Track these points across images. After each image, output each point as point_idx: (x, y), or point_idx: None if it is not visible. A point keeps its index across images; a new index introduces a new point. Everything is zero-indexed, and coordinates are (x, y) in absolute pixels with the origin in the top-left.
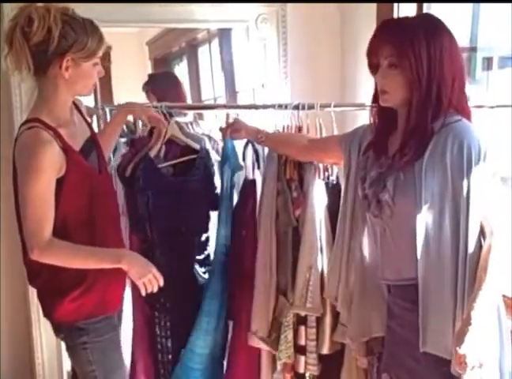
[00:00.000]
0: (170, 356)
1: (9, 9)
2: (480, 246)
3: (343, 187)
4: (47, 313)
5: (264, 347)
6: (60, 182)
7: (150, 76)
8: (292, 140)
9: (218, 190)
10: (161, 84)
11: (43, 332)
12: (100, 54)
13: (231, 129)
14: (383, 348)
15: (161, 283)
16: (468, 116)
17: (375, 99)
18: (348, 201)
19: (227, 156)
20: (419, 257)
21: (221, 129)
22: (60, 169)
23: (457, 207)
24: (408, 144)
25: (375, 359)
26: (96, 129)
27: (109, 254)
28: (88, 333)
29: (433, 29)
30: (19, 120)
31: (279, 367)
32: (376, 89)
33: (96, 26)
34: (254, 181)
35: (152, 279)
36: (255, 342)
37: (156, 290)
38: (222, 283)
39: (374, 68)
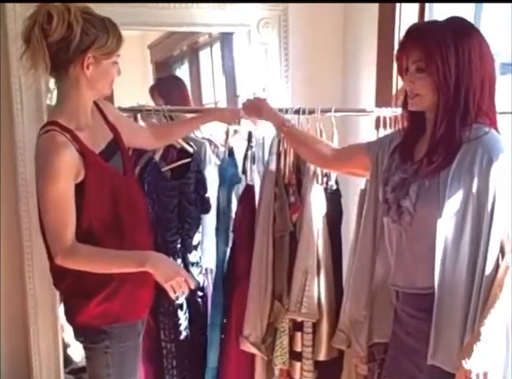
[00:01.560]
0: (174, 362)
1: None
2: (498, 263)
3: (367, 197)
4: (71, 317)
5: (256, 351)
6: (81, 187)
7: (158, 79)
8: (315, 144)
9: (208, 194)
10: (168, 87)
11: (40, 334)
12: (119, 52)
13: (252, 107)
14: (385, 354)
15: (192, 285)
16: (495, 123)
17: (405, 102)
18: (372, 214)
19: (224, 178)
20: (436, 267)
21: (243, 105)
22: (78, 173)
23: (480, 221)
24: (435, 151)
25: (376, 366)
26: None
27: (133, 257)
28: (112, 338)
29: (461, 32)
30: (20, 121)
31: (276, 372)
32: (406, 93)
33: (114, 24)
34: (251, 187)
35: (180, 281)
36: (246, 346)
37: (186, 292)
38: (224, 297)
39: (403, 72)
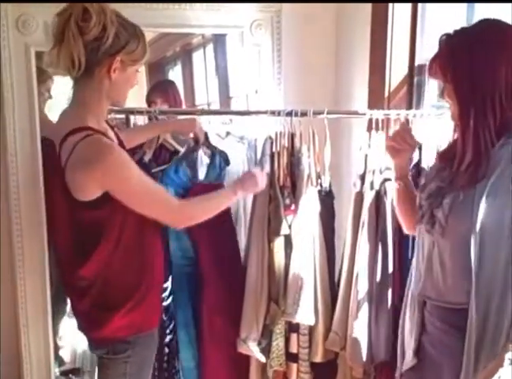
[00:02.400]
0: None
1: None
2: None
3: None
4: (96, 331)
5: (253, 354)
6: None
7: (157, 83)
8: (415, 205)
9: None
10: (167, 90)
11: (30, 335)
12: (144, 61)
13: (399, 141)
14: (385, 357)
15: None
16: None
17: None
18: None
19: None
20: (472, 285)
21: (387, 140)
22: None
23: None
24: (470, 164)
25: (372, 369)
26: None
27: (230, 197)
28: (134, 347)
29: (481, 38)
30: (11, 122)
31: (270, 374)
32: None
33: (143, 33)
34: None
35: (263, 179)
36: (244, 349)
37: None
38: (188, 292)
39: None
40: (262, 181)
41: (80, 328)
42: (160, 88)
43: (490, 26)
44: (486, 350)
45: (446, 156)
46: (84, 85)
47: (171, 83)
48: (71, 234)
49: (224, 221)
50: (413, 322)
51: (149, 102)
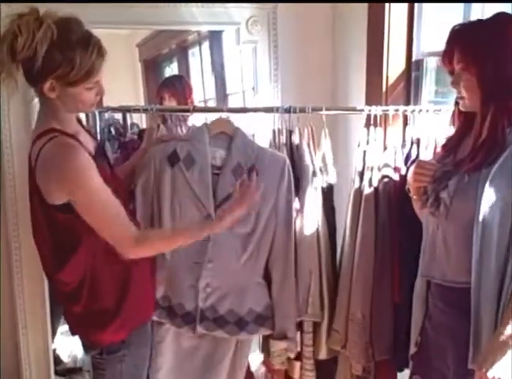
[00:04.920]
0: None
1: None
2: None
3: None
4: (92, 337)
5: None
6: None
7: (165, 79)
8: None
9: None
10: (174, 85)
11: (30, 340)
12: (96, 77)
13: None
14: (385, 355)
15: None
16: None
17: (457, 101)
18: None
19: None
20: (473, 265)
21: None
22: None
23: None
24: (479, 149)
25: (372, 366)
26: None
27: (202, 231)
28: (129, 345)
29: (501, 30)
30: (7, 127)
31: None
32: None
33: (93, 44)
34: None
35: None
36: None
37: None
38: None
39: (452, 74)
40: (254, 205)
41: (73, 333)
42: (166, 84)
43: (508, 18)
44: (488, 326)
45: (450, 145)
46: (38, 96)
47: (179, 78)
48: (49, 236)
49: None
50: (417, 306)
51: (159, 98)
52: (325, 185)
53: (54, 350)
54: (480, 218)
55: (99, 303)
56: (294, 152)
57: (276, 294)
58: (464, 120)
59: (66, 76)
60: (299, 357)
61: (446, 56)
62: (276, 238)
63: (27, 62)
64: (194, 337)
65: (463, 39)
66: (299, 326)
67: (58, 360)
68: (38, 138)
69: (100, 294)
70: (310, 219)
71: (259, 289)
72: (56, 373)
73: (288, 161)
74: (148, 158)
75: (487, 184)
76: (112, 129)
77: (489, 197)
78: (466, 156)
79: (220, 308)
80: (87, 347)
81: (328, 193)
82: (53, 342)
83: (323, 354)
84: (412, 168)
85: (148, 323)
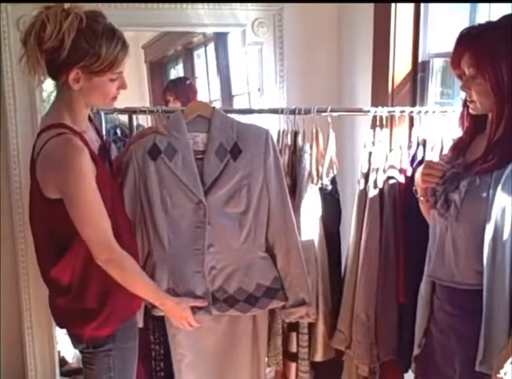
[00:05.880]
0: (162, 363)
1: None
2: None
3: None
4: (79, 332)
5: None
6: None
7: (170, 82)
8: None
9: None
10: (177, 88)
11: (35, 341)
12: (120, 68)
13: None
14: (390, 355)
15: (194, 324)
16: None
17: (465, 101)
18: None
19: None
20: (485, 268)
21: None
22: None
23: None
24: (491, 152)
25: (378, 367)
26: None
27: (158, 295)
28: (115, 340)
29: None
30: (13, 123)
31: (272, 374)
32: None
33: (118, 36)
34: None
35: (184, 324)
36: None
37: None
38: None
39: (460, 77)
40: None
41: (59, 325)
42: (170, 86)
43: None
44: (499, 329)
45: (458, 147)
46: (58, 88)
47: (183, 80)
48: (45, 230)
49: None
50: (422, 308)
51: (165, 100)
52: (324, 187)
53: (59, 351)
54: (492, 220)
55: (83, 301)
56: (297, 154)
57: (283, 265)
58: (474, 122)
59: (91, 66)
60: (294, 358)
61: (456, 60)
62: (272, 211)
63: (52, 52)
64: (210, 320)
65: (475, 44)
66: (295, 327)
67: (63, 361)
68: (45, 130)
69: (87, 293)
70: (304, 220)
71: (264, 263)
72: (61, 373)
73: (270, 132)
74: (130, 156)
75: (499, 187)
76: (118, 131)
77: (501, 199)
78: (478, 158)
79: (228, 288)
80: (74, 342)
81: (329, 194)
82: (58, 343)
83: (319, 356)
84: (420, 169)
85: (133, 317)
